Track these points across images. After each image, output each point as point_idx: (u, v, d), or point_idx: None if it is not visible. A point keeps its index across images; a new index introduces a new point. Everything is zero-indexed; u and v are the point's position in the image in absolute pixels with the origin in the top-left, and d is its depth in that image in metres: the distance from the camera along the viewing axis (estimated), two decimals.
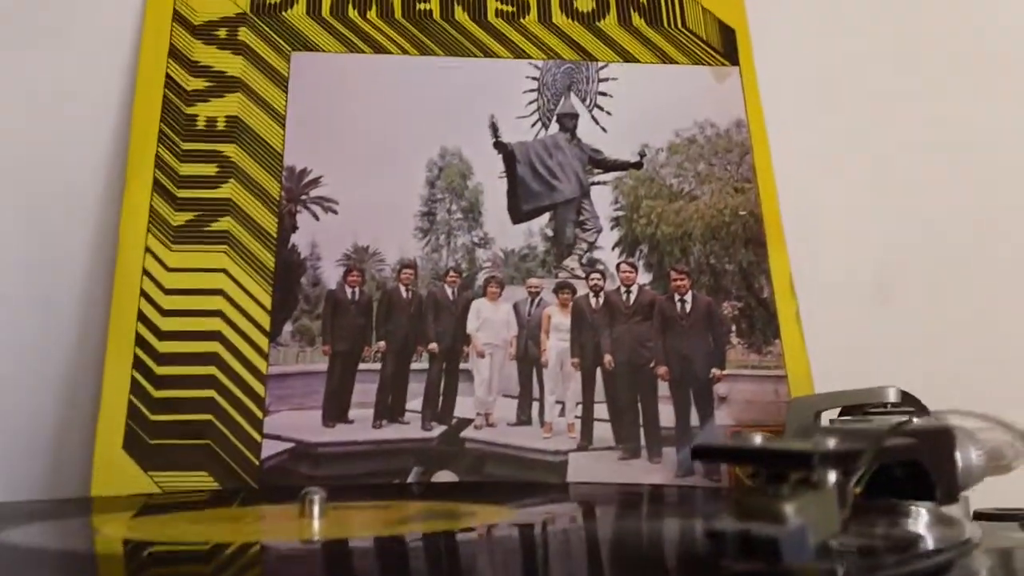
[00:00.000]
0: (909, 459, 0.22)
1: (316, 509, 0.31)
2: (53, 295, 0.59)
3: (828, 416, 0.48)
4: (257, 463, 0.53)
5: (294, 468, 0.53)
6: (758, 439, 0.20)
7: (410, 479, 0.54)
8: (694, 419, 0.57)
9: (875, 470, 0.21)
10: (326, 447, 0.54)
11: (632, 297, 0.59)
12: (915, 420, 0.28)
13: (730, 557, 0.18)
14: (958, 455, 0.25)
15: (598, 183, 0.62)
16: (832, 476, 0.18)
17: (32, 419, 0.57)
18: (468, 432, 0.55)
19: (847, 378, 0.59)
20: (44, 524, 0.37)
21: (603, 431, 0.56)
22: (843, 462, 0.18)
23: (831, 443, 0.19)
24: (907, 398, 0.47)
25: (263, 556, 0.28)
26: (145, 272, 0.56)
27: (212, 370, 0.55)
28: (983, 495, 0.34)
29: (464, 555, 0.29)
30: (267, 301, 0.57)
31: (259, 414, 0.54)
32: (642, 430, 0.56)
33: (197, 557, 0.29)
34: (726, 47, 0.66)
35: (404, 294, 0.58)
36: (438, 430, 0.55)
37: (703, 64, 0.65)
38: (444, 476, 0.54)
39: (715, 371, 0.58)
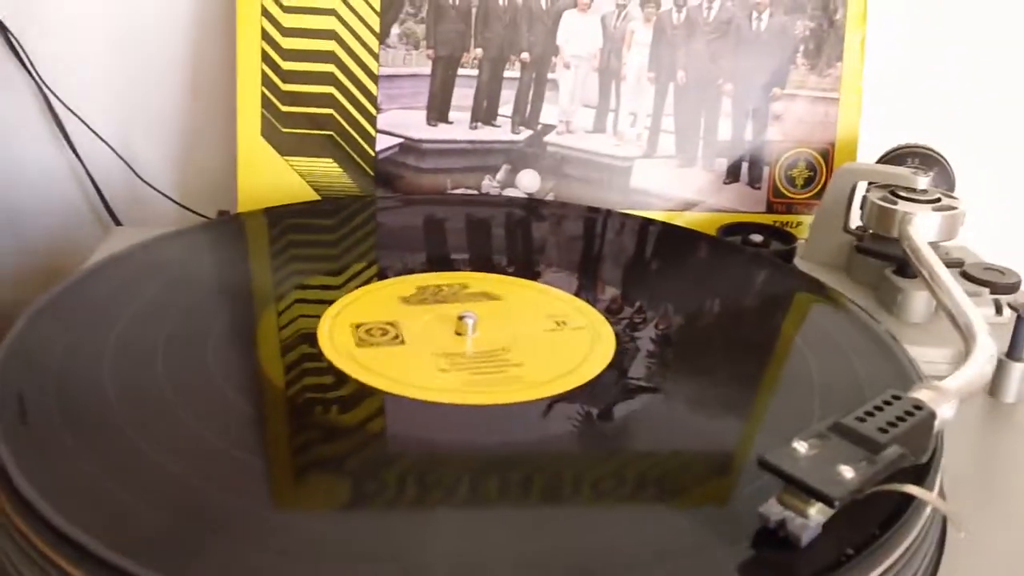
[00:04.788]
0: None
1: (470, 327, 0.42)
2: None
3: (861, 188, 0.57)
4: (373, 154, 0.63)
5: (403, 160, 0.63)
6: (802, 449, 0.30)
7: (499, 175, 0.64)
8: (748, 134, 0.65)
9: None
10: (430, 143, 0.63)
11: (712, 14, 0.64)
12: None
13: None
14: (936, 425, 0.34)
15: None
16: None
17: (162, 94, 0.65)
18: (551, 137, 0.64)
19: (894, 105, 0.66)
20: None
21: (667, 141, 0.64)
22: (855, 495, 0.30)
23: (848, 475, 0.30)
24: (937, 177, 0.56)
25: None
26: None
27: (331, 68, 0.62)
28: None
29: None
30: (376, 2, 0.61)
31: (373, 111, 0.62)
32: (701, 141, 0.65)
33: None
34: None
35: (501, 1, 0.62)
36: (525, 134, 0.64)
37: None
38: (528, 175, 0.64)
39: (775, 90, 0.64)
